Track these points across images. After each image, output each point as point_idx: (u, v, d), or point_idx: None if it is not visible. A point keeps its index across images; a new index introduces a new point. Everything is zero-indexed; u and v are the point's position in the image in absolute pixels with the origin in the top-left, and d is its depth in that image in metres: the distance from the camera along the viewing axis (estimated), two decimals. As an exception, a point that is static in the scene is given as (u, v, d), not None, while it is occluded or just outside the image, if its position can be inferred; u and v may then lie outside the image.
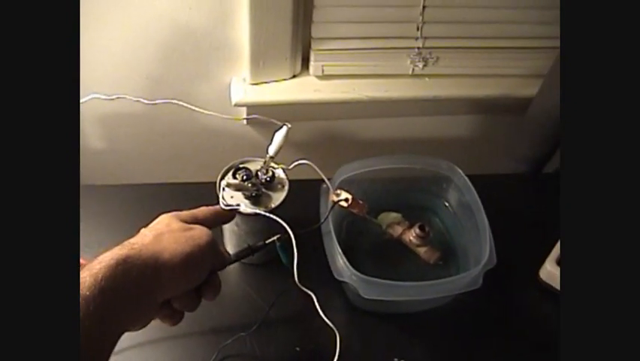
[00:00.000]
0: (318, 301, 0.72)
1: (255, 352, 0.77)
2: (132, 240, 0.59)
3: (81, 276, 0.49)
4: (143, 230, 0.62)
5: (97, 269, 0.51)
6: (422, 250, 0.84)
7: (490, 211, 0.80)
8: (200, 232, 0.62)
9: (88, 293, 0.48)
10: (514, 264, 0.79)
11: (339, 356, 0.71)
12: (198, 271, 0.61)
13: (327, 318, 0.73)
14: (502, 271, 0.75)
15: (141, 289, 0.54)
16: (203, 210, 0.67)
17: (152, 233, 0.60)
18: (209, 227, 0.64)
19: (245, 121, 1.05)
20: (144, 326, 0.58)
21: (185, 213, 0.65)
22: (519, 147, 1.11)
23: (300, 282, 0.70)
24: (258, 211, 0.74)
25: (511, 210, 0.93)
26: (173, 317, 0.63)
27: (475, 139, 1.21)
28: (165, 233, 0.60)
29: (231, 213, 0.72)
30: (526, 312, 0.84)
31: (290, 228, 0.71)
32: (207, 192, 0.81)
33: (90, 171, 1.05)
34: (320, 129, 1.12)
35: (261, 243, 0.73)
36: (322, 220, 0.77)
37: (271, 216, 0.72)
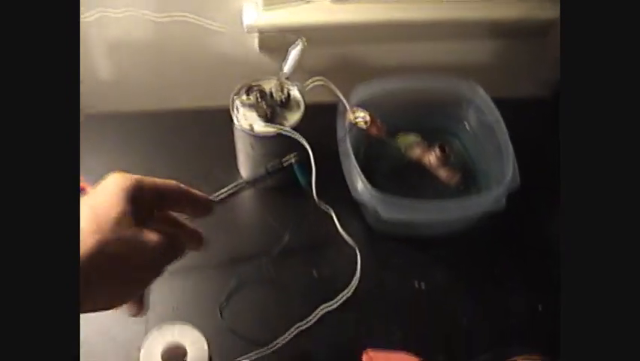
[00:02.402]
0: (337, 218, 0.71)
1: (273, 277, 0.76)
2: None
3: None
4: (86, 204, 0.44)
5: None
6: (442, 172, 0.82)
7: (511, 135, 0.78)
8: (152, 255, 0.45)
9: None
10: (536, 188, 0.77)
11: (359, 278, 0.70)
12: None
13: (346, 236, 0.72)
14: (524, 195, 0.73)
15: None
16: (175, 191, 0.50)
17: (94, 237, 0.42)
18: (172, 223, 0.51)
19: (257, 47, 1.02)
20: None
21: (148, 187, 0.47)
22: (540, 72, 1.07)
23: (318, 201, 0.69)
24: (275, 128, 0.72)
25: (532, 134, 0.90)
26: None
27: (496, 65, 1.17)
28: (110, 244, 0.42)
29: (209, 207, 0.53)
30: (548, 236, 0.82)
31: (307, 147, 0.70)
32: (219, 117, 0.79)
33: (99, 101, 1.02)
34: (335, 55, 1.09)
35: (277, 164, 0.72)
36: (340, 140, 0.75)
37: (288, 131, 0.70)
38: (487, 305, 0.76)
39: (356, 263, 0.71)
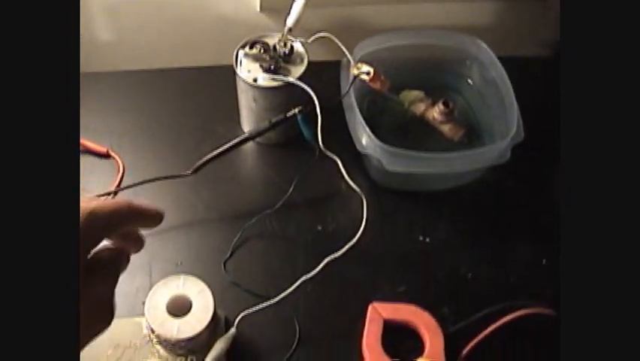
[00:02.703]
0: (343, 168, 0.70)
1: (277, 231, 0.76)
2: None
3: None
4: None
5: None
6: (446, 128, 0.82)
7: (514, 92, 0.77)
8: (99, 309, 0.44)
9: None
10: (538, 144, 0.77)
11: (364, 228, 0.69)
12: None
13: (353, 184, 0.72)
14: (528, 150, 0.73)
15: None
16: (126, 213, 0.45)
17: None
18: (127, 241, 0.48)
19: (259, 7, 1.01)
20: None
21: (100, 217, 0.43)
22: (542, 32, 1.07)
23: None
24: (279, 79, 0.71)
25: (535, 93, 0.89)
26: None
27: (498, 25, 1.16)
28: None
29: (159, 219, 0.50)
30: (551, 192, 0.82)
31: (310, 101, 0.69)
32: (221, 76, 0.79)
33: (99, 60, 1.01)
34: (338, 15, 1.07)
35: (281, 116, 0.71)
36: (344, 93, 0.74)
37: (293, 81, 0.69)
38: (491, 259, 0.76)
39: (361, 215, 0.70)
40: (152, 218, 0.48)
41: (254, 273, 0.73)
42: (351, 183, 0.70)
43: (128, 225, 0.47)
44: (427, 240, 0.76)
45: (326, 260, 0.67)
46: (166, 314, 0.63)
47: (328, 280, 0.70)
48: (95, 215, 0.42)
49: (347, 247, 0.67)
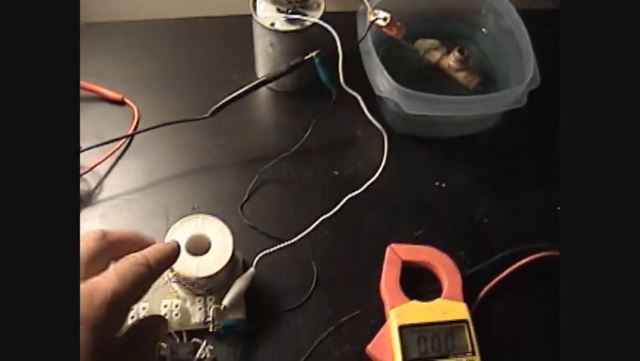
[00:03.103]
0: (363, 107, 0.70)
1: (292, 176, 0.76)
2: None
3: None
4: None
5: None
6: (461, 75, 0.82)
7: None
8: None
9: None
10: (554, 93, 0.76)
11: (384, 166, 0.69)
12: None
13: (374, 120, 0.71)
14: (542, 99, 0.73)
15: None
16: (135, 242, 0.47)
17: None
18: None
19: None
20: None
21: (111, 242, 0.45)
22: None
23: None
24: (300, 18, 0.71)
25: (551, 43, 0.88)
26: None
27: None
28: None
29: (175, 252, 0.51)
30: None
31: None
32: (237, 25, 0.80)
33: (114, 12, 1.00)
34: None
35: (299, 59, 0.71)
36: (361, 38, 0.74)
37: (312, 20, 0.69)
38: (507, 204, 0.76)
39: (380, 156, 0.69)
40: (173, 259, 0.49)
41: (270, 216, 0.73)
42: (372, 119, 0.70)
43: (152, 281, 0.45)
44: (443, 185, 0.76)
45: (345, 199, 0.67)
46: (185, 253, 0.62)
47: (345, 222, 0.71)
48: (117, 298, 0.40)
49: (367, 184, 0.67)
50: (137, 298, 0.43)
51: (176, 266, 0.61)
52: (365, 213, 0.72)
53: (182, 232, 0.64)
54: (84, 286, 0.39)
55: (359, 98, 0.69)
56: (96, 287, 0.39)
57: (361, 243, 0.71)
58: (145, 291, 0.44)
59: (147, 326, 0.45)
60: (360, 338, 0.64)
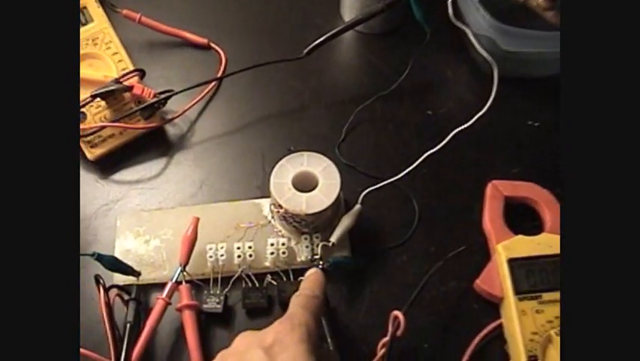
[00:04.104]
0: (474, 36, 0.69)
1: (387, 116, 0.76)
2: None
3: None
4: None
5: None
6: (550, 14, 0.80)
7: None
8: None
9: None
10: None
11: (493, 99, 0.68)
12: None
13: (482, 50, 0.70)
14: None
15: None
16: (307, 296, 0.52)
17: None
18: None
19: None
20: None
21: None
22: None
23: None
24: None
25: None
26: None
27: None
28: None
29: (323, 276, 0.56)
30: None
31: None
32: None
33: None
34: None
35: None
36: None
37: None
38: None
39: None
40: (325, 282, 0.55)
41: (367, 156, 0.73)
42: (480, 50, 0.69)
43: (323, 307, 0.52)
44: (537, 124, 0.76)
45: (450, 135, 0.67)
46: (293, 190, 0.63)
47: (444, 159, 0.70)
48: (311, 329, 0.47)
49: (473, 119, 0.66)
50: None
51: (285, 203, 0.61)
52: (462, 150, 0.72)
53: (288, 168, 0.64)
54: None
55: (467, 30, 0.68)
56: (298, 321, 0.47)
57: (460, 180, 0.71)
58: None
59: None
60: (466, 274, 0.64)
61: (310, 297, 0.50)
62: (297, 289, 0.53)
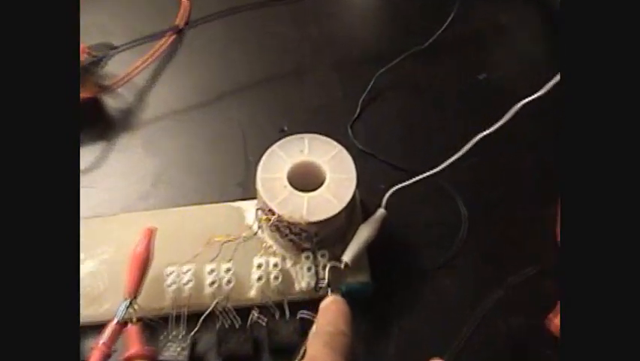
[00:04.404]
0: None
1: (420, 83, 0.65)
2: None
3: None
4: None
5: None
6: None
7: None
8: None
9: None
10: None
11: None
12: None
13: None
14: None
15: None
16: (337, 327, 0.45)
17: None
18: None
19: None
20: None
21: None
22: None
23: None
24: None
25: None
26: None
27: None
28: None
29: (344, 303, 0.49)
30: None
31: None
32: None
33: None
34: None
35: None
36: None
37: None
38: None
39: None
40: (348, 311, 0.47)
41: (393, 140, 0.61)
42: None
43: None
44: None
45: (514, 109, 0.51)
46: (289, 188, 0.51)
47: (499, 145, 0.55)
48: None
49: (546, 87, 0.51)
50: None
51: (277, 207, 0.51)
52: (529, 132, 0.59)
53: (282, 158, 0.53)
54: None
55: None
56: None
57: (527, 174, 0.59)
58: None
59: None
60: (535, 307, 0.51)
61: (334, 334, 0.43)
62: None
